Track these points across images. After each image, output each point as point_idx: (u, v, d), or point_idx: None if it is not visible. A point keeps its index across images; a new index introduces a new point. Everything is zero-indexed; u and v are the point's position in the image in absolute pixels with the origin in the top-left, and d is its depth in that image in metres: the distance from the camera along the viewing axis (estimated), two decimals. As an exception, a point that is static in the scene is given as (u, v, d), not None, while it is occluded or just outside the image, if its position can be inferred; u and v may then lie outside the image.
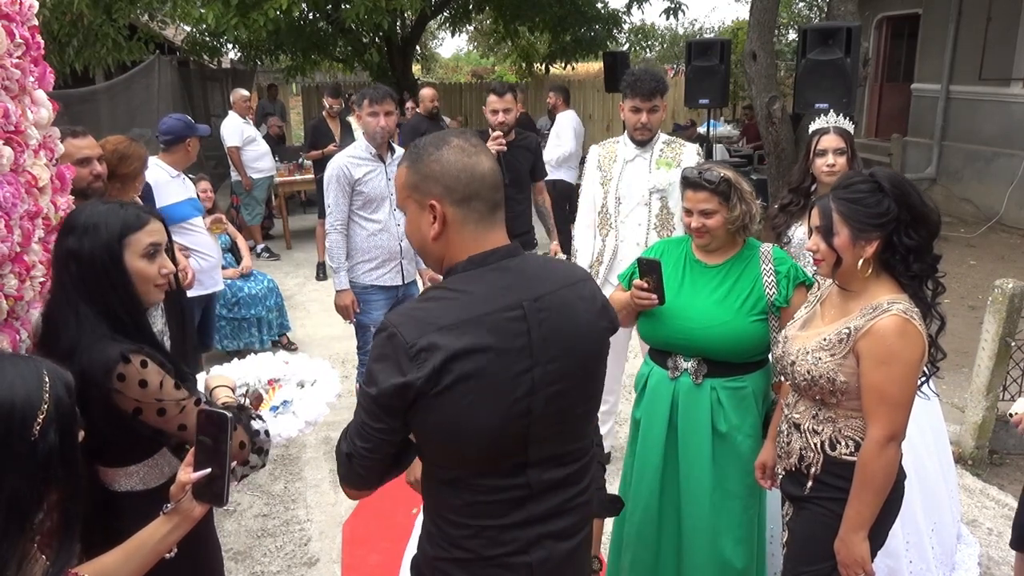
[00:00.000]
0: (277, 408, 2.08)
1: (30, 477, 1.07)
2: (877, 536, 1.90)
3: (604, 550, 2.72)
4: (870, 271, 1.83)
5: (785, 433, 2.03)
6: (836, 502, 1.89)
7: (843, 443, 1.88)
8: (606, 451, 3.52)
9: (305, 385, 2.17)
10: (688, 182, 2.27)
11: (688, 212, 2.29)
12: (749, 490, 2.30)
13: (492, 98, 3.90)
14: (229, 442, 1.39)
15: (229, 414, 1.40)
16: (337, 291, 3.74)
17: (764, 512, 2.43)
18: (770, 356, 2.32)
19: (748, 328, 2.23)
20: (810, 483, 1.94)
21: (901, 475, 1.91)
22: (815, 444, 1.92)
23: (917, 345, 1.77)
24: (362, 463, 1.38)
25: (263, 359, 2.30)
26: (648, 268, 2.25)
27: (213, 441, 1.39)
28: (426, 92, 7.58)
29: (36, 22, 1.82)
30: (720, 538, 2.29)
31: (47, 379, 1.11)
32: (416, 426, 1.34)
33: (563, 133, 7.10)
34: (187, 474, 1.39)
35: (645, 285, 2.24)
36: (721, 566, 2.30)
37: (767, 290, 2.26)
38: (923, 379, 1.90)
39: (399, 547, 1.78)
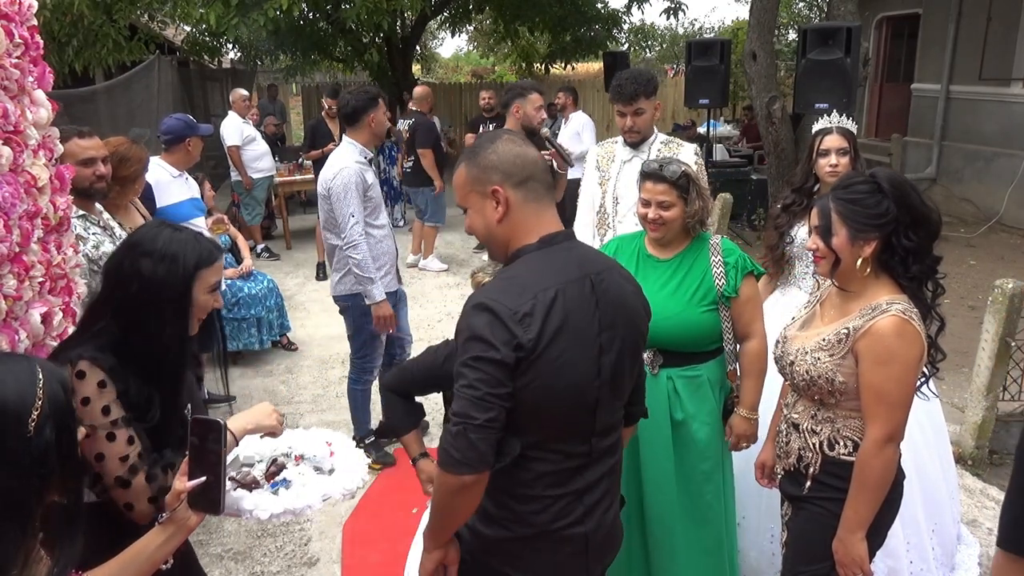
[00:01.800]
0: (277, 485, 1.95)
1: (27, 475, 1.06)
2: (876, 536, 1.90)
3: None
4: (868, 271, 1.83)
5: (784, 433, 2.03)
6: (834, 502, 1.88)
7: (842, 443, 1.88)
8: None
9: (322, 472, 1.96)
10: (648, 174, 2.33)
11: (645, 203, 2.33)
12: (705, 475, 2.35)
13: (536, 95, 4.03)
14: (224, 449, 1.39)
15: (222, 421, 1.39)
16: (377, 303, 3.57)
17: (731, 494, 2.45)
18: (725, 345, 2.36)
19: (699, 319, 2.29)
20: (808, 483, 1.94)
21: (900, 475, 1.91)
22: (814, 444, 1.92)
23: (916, 345, 1.77)
24: (481, 435, 1.39)
25: (313, 435, 2.14)
26: None
27: (206, 449, 1.38)
28: (427, 92, 7.69)
29: (35, 22, 1.82)
30: (685, 523, 2.34)
31: (41, 376, 1.10)
32: (525, 386, 1.42)
33: (584, 132, 7.15)
34: (182, 483, 1.38)
35: None
36: (688, 550, 2.34)
37: (717, 281, 2.31)
38: (923, 380, 1.90)
39: (399, 547, 1.77)
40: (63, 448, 1.11)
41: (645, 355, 2.32)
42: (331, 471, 1.99)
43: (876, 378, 1.78)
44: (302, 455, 2.06)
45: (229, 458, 1.93)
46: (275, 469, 2.03)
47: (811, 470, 1.93)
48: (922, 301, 1.84)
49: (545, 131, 3.86)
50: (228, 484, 1.89)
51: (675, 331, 2.28)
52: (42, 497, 1.09)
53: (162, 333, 1.60)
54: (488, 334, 1.39)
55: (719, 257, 2.34)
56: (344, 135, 3.72)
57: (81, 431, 1.21)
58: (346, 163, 3.54)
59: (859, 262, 1.82)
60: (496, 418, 1.41)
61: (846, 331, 1.83)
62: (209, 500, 1.39)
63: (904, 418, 1.81)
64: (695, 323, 2.29)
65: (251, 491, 1.91)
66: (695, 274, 2.33)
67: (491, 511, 1.54)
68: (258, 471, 2.06)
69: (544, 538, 1.53)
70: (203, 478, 1.38)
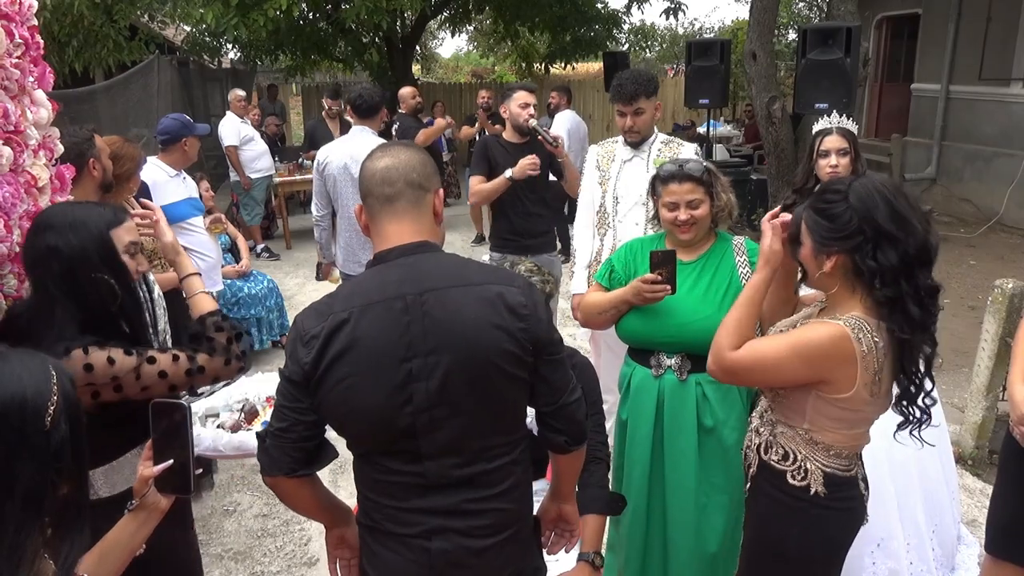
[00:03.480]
0: (267, 423, 2.11)
1: (44, 468, 1.08)
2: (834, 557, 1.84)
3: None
4: (837, 288, 1.70)
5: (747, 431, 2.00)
6: (765, 519, 1.84)
7: (774, 448, 1.81)
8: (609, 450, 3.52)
9: None
10: (672, 176, 2.29)
11: (673, 206, 2.29)
12: (736, 483, 2.30)
13: (523, 93, 3.98)
14: (190, 429, 1.39)
15: (185, 402, 1.40)
16: None
17: None
18: None
19: None
20: (748, 484, 1.90)
21: (856, 515, 1.82)
22: (755, 444, 1.87)
23: (835, 352, 1.62)
24: (273, 443, 1.48)
25: (269, 377, 2.36)
26: (664, 259, 2.22)
27: (172, 431, 1.39)
28: (407, 91, 7.75)
29: (36, 22, 1.82)
30: (705, 532, 2.30)
31: (53, 371, 1.13)
32: (317, 406, 1.46)
33: (568, 135, 7.09)
34: (148, 468, 1.39)
35: (659, 278, 2.22)
36: (703, 559, 2.31)
37: (743, 280, 2.28)
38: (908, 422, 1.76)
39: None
40: (75, 442, 1.13)
41: (672, 360, 2.29)
42: None
43: (778, 334, 1.73)
44: (272, 396, 2.26)
45: (239, 396, 2.09)
46: (251, 415, 2.24)
47: (751, 471, 1.88)
48: (899, 328, 1.63)
49: (532, 122, 3.89)
50: (223, 430, 2.03)
51: (705, 333, 2.17)
52: (55, 491, 1.11)
53: (113, 294, 1.65)
54: (288, 351, 1.47)
55: (744, 257, 2.31)
56: (356, 125, 4.05)
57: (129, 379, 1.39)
58: None
59: (818, 275, 1.71)
60: (289, 428, 1.46)
61: (792, 325, 1.78)
62: (178, 482, 1.39)
63: (751, 378, 1.78)
64: None
65: (245, 430, 2.10)
66: (722, 274, 2.30)
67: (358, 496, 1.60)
68: (226, 418, 2.29)
69: (385, 536, 1.52)
70: (169, 461, 1.38)
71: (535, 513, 1.71)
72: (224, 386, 2.23)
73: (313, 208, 4.25)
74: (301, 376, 1.43)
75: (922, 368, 1.70)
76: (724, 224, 2.40)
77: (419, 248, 1.49)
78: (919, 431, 1.76)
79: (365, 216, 1.54)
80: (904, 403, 1.73)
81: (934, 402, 1.79)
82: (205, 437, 2.23)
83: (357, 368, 1.41)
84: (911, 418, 1.75)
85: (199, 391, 1.89)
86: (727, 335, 1.77)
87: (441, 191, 1.58)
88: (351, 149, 3.95)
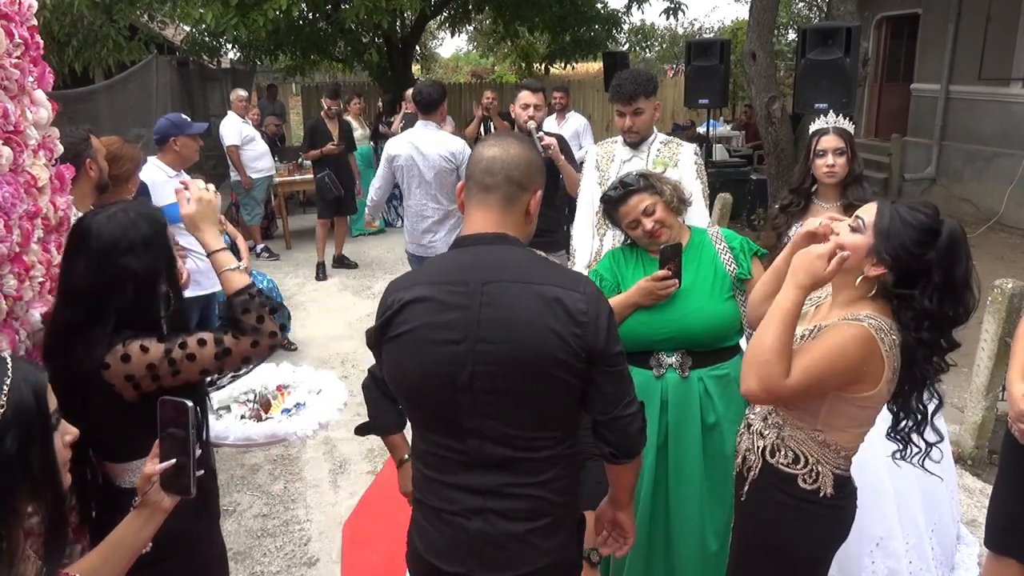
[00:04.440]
0: (290, 411, 2.20)
1: None
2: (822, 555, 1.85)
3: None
4: (872, 293, 1.68)
5: (738, 432, 1.97)
6: (764, 523, 1.82)
7: (783, 452, 1.78)
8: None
9: (312, 392, 2.36)
10: (618, 199, 2.32)
11: (635, 223, 2.32)
12: (731, 476, 2.29)
13: (525, 93, 4.17)
14: (192, 431, 1.39)
15: (189, 403, 1.39)
16: None
17: None
18: (746, 336, 2.33)
19: (722, 308, 2.27)
20: (747, 487, 1.87)
21: (854, 510, 1.84)
22: (758, 448, 1.84)
23: (870, 357, 1.62)
24: (368, 395, 1.86)
25: (271, 367, 2.46)
26: (673, 253, 2.23)
27: (175, 431, 1.39)
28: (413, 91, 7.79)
29: (35, 22, 1.82)
30: (707, 528, 2.31)
31: (7, 383, 1.05)
32: (385, 368, 1.61)
33: (584, 134, 7.09)
34: (152, 466, 1.39)
35: (669, 273, 2.22)
36: (707, 558, 2.31)
37: (728, 267, 2.30)
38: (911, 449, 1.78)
39: (399, 547, 1.77)
40: (31, 459, 1.06)
41: (673, 358, 2.29)
42: (319, 392, 2.46)
43: (812, 345, 1.68)
44: (283, 385, 2.42)
45: (246, 388, 2.25)
46: (265, 405, 2.38)
47: (752, 474, 1.85)
48: (919, 351, 1.65)
49: (531, 125, 3.93)
50: (251, 421, 2.14)
51: (701, 324, 2.24)
52: (13, 508, 1.05)
53: (171, 302, 1.71)
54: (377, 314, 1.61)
55: (723, 244, 2.34)
56: (420, 120, 4.41)
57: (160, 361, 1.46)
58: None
59: (858, 279, 1.68)
60: (377, 384, 1.81)
61: (810, 330, 1.75)
62: (181, 483, 1.39)
63: (799, 400, 1.70)
64: (719, 313, 2.25)
65: (265, 419, 2.23)
66: (705, 265, 2.32)
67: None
68: (237, 411, 2.43)
69: (430, 511, 1.58)
70: (173, 460, 1.38)
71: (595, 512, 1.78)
72: (246, 372, 2.24)
73: (372, 191, 4.69)
74: (374, 339, 1.59)
75: (923, 405, 1.74)
76: (685, 209, 2.40)
77: (497, 239, 1.53)
78: (910, 456, 1.79)
79: (464, 195, 1.60)
80: (898, 431, 1.77)
81: (940, 438, 1.79)
82: (234, 428, 2.31)
83: (411, 338, 1.50)
84: (907, 444, 1.77)
85: (220, 381, 1.94)
86: (778, 361, 1.61)
87: (539, 192, 1.60)
88: (416, 142, 4.35)
